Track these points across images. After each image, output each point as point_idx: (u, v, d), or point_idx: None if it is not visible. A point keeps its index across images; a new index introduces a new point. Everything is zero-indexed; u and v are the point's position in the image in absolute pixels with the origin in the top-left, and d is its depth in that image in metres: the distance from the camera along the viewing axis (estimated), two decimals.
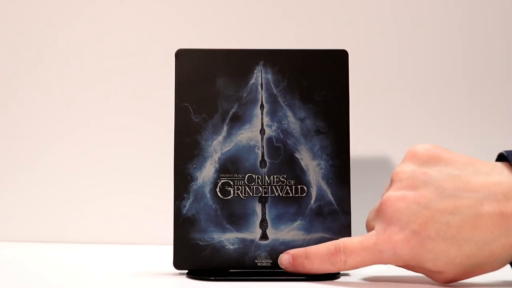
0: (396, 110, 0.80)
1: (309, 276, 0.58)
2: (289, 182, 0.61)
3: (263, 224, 0.61)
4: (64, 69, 0.81)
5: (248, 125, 0.62)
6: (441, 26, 0.80)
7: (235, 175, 0.61)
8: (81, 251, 0.76)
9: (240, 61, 0.62)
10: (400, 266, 0.54)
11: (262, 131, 0.62)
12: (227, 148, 0.62)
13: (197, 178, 0.61)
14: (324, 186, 0.61)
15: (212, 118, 0.62)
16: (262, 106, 0.62)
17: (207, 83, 0.62)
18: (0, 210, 0.82)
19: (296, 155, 0.62)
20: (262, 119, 0.62)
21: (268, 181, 0.61)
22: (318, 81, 0.62)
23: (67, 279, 0.62)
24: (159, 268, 0.64)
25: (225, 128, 0.62)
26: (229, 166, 0.61)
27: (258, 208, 0.61)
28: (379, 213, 0.54)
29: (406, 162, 0.55)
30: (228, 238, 0.60)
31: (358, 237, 0.55)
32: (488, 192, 0.49)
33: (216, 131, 0.62)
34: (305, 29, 0.80)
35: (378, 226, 0.54)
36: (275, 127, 0.62)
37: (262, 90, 0.62)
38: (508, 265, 0.53)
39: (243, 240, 0.61)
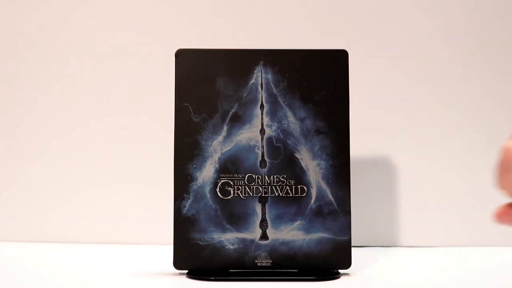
0: (396, 110, 0.80)
1: (309, 276, 0.58)
2: (289, 182, 0.61)
3: (263, 224, 0.61)
4: (64, 69, 0.81)
5: (248, 125, 0.62)
6: (441, 26, 0.80)
7: (235, 175, 0.61)
8: (81, 251, 0.76)
9: (240, 61, 0.62)
10: None
11: (262, 131, 0.62)
12: (227, 148, 0.62)
13: (197, 178, 0.61)
14: (324, 186, 0.61)
15: (212, 118, 0.62)
16: (262, 106, 0.62)
17: (207, 83, 0.62)
18: (0, 210, 0.82)
19: (296, 155, 0.62)
20: (262, 119, 0.62)
21: (268, 181, 0.61)
22: (318, 81, 0.62)
23: (67, 279, 0.62)
24: (159, 268, 0.64)
25: (225, 128, 0.62)
26: (229, 166, 0.61)
27: (258, 208, 0.61)
28: None
29: None
30: (228, 238, 0.60)
31: None
32: None
33: (216, 131, 0.62)
34: (305, 29, 0.80)
35: None
36: (275, 127, 0.62)
37: (262, 90, 0.62)
38: None
39: (243, 240, 0.61)
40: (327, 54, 0.63)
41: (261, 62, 0.62)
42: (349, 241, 0.61)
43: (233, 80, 0.62)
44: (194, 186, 0.61)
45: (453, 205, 0.80)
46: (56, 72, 0.82)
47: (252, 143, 0.62)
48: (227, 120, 0.62)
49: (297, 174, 0.61)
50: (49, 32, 0.82)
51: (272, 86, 0.62)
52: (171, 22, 0.81)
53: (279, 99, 0.62)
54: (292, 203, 0.61)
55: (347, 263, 0.60)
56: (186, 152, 0.61)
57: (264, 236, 0.61)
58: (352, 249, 0.61)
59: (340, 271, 0.61)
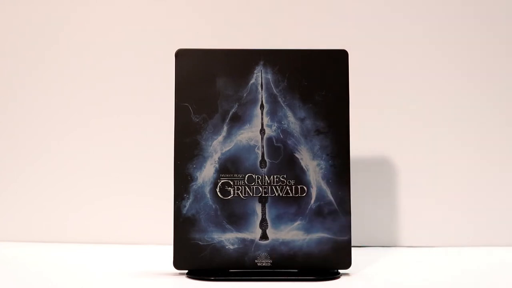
0: (396, 110, 0.80)
1: (309, 276, 0.58)
2: (289, 182, 0.61)
3: (263, 224, 0.61)
4: (64, 69, 0.81)
5: (248, 125, 0.62)
6: (442, 26, 0.80)
7: (235, 175, 0.61)
8: (81, 251, 0.76)
9: (240, 61, 0.62)
10: None
11: (262, 131, 0.62)
12: (227, 148, 0.62)
13: (197, 178, 0.61)
14: (324, 186, 0.61)
15: (212, 118, 0.62)
16: (262, 106, 0.62)
17: (207, 83, 0.62)
18: (0, 210, 0.82)
19: (296, 155, 0.62)
20: (262, 119, 0.62)
21: (268, 181, 0.61)
22: (318, 81, 0.62)
23: (67, 279, 0.62)
24: (159, 268, 0.64)
25: (225, 128, 0.62)
26: (229, 166, 0.61)
27: (258, 208, 0.61)
28: None
29: None
30: (228, 238, 0.60)
31: None
32: None
33: (216, 131, 0.62)
34: (305, 29, 0.80)
35: None
36: (275, 127, 0.62)
37: (262, 90, 0.62)
38: None
39: (243, 240, 0.61)
40: (327, 54, 0.63)
41: (261, 62, 0.62)
42: (349, 241, 0.61)
43: (233, 80, 0.62)
44: (194, 186, 0.61)
45: (453, 206, 0.80)
46: (56, 72, 0.82)
47: (252, 143, 0.62)
48: (227, 120, 0.62)
49: (297, 174, 0.61)
50: (49, 32, 0.82)
51: (272, 86, 0.62)
52: (171, 22, 0.81)
53: (279, 99, 0.62)
54: (292, 203, 0.61)
55: (347, 263, 0.60)
56: (186, 152, 0.61)
57: (264, 236, 0.61)
58: (352, 249, 0.61)
59: (340, 271, 0.61)
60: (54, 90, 0.82)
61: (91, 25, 0.81)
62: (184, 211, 0.61)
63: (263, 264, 0.60)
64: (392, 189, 0.80)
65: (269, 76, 0.62)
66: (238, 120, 0.62)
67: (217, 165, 0.61)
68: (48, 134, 0.81)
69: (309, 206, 0.61)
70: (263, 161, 0.62)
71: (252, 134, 0.62)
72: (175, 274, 0.61)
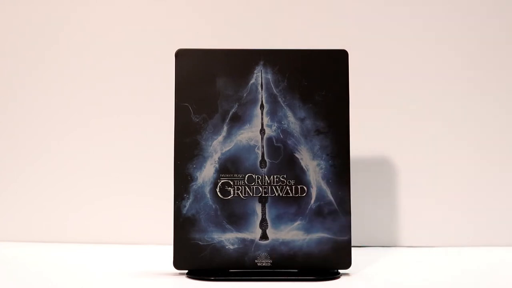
0: (396, 110, 0.80)
1: (309, 276, 0.58)
2: (289, 182, 0.61)
3: (263, 224, 0.61)
4: (64, 69, 0.81)
5: (248, 125, 0.62)
6: (442, 25, 0.80)
7: (235, 175, 0.61)
8: (81, 251, 0.76)
9: (240, 61, 0.62)
10: None
11: (262, 131, 0.62)
12: (227, 148, 0.62)
13: (197, 178, 0.61)
14: (324, 186, 0.61)
15: (212, 118, 0.62)
16: (262, 106, 0.62)
17: (207, 83, 0.62)
18: (0, 210, 0.82)
19: (296, 155, 0.62)
20: (262, 119, 0.62)
21: (268, 181, 0.61)
22: (318, 81, 0.62)
23: (67, 279, 0.62)
24: (159, 268, 0.64)
25: (225, 128, 0.62)
26: (229, 166, 0.61)
27: (258, 208, 0.61)
28: None
29: None
30: (228, 238, 0.60)
31: None
32: None
33: (216, 131, 0.62)
34: (305, 29, 0.80)
35: None
36: (275, 127, 0.62)
37: (262, 90, 0.62)
38: None
39: (243, 240, 0.61)
40: (327, 54, 0.63)
41: (261, 62, 0.62)
42: (349, 241, 0.61)
43: (233, 80, 0.62)
44: (194, 186, 0.61)
45: (453, 206, 0.80)
46: (56, 72, 0.82)
47: (252, 143, 0.62)
48: (227, 120, 0.62)
49: (297, 174, 0.61)
50: (49, 32, 0.82)
51: (272, 86, 0.62)
52: (171, 22, 0.81)
53: (279, 99, 0.62)
54: (292, 203, 0.61)
55: (347, 263, 0.60)
56: (186, 152, 0.61)
57: (264, 236, 0.61)
58: (352, 249, 0.61)
59: (340, 271, 0.61)
60: (54, 90, 0.82)
61: (91, 25, 0.81)
62: (184, 211, 0.61)
63: (263, 264, 0.60)
64: (392, 189, 0.80)
65: (269, 76, 0.62)
66: (238, 120, 0.62)
67: (217, 165, 0.61)
68: (48, 134, 0.81)
69: (309, 206, 0.61)
70: (263, 161, 0.62)
71: (252, 134, 0.62)
72: (175, 274, 0.61)
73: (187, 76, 0.62)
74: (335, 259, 0.60)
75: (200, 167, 0.61)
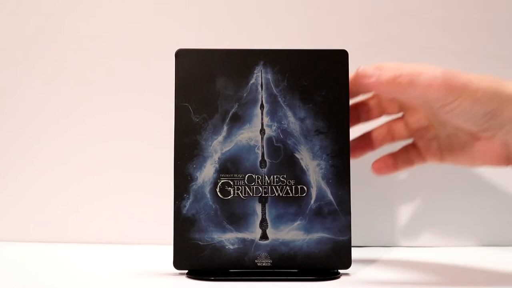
0: None
1: (309, 276, 0.58)
2: (289, 182, 0.61)
3: (263, 224, 0.61)
4: (63, 68, 0.81)
5: (248, 125, 0.62)
6: (442, 25, 0.80)
7: (235, 175, 0.61)
8: (81, 251, 0.76)
9: (240, 61, 0.62)
10: None
11: (262, 131, 0.62)
12: (227, 148, 0.62)
13: (197, 178, 0.61)
14: (324, 186, 0.61)
15: (212, 118, 0.62)
16: (262, 106, 0.62)
17: (207, 83, 0.62)
18: (1, 210, 0.82)
19: (296, 155, 0.62)
20: (262, 119, 0.62)
21: (268, 181, 0.61)
22: (318, 81, 0.62)
23: (67, 279, 0.62)
24: (159, 268, 0.64)
25: (225, 128, 0.62)
26: (229, 166, 0.61)
27: (258, 208, 0.61)
28: None
29: None
30: (228, 238, 0.61)
31: None
32: None
33: (216, 131, 0.62)
34: (305, 29, 0.80)
35: None
36: (275, 127, 0.62)
37: (262, 90, 0.62)
38: None
39: (243, 240, 0.61)
40: (327, 54, 0.63)
41: (261, 62, 0.62)
42: (349, 241, 0.61)
43: (233, 80, 0.62)
44: (194, 186, 0.61)
45: (453, 205, 0.80)
46: (55, 71, 0.82)
47: (252, 143, 0.62)
48: (227, 120, 0.62)
49: (297, 174, 0.61)
50: (48, 30, 0.82)
51: (272, 86, 0.62)
52: (171, 22, 0.81)
53: (279, 99, 0.62)
54: (292, 203, 0.61)
55: (347, 263, 0.60)
56: (186, 152, 0.61)
57: (264, 236, 0.61)
58: (352, 249, 0.61)
59: (340, 271, 0.61)
60: (53, 88, 0.82)
61: (91, 24, 0.81)
62: (184, 211, 0.61)
63: (263, 264, 0.60)
64: (392, 189, 0.80)
65: (269, 76, 0.62)
66: (238, 120, 0.62)
67: (217, 165, 0.61)
68: (48, 134, 0.81)
69: (309, 206, 0.61)
70: (263, 161, 0.62)
71: (252, 134, 0.62)
72: (175, 274, 0.61)
73: (187, 76, 0.62)
74: (335, 259, 0.60)
75: (200, 167, 0.61)
